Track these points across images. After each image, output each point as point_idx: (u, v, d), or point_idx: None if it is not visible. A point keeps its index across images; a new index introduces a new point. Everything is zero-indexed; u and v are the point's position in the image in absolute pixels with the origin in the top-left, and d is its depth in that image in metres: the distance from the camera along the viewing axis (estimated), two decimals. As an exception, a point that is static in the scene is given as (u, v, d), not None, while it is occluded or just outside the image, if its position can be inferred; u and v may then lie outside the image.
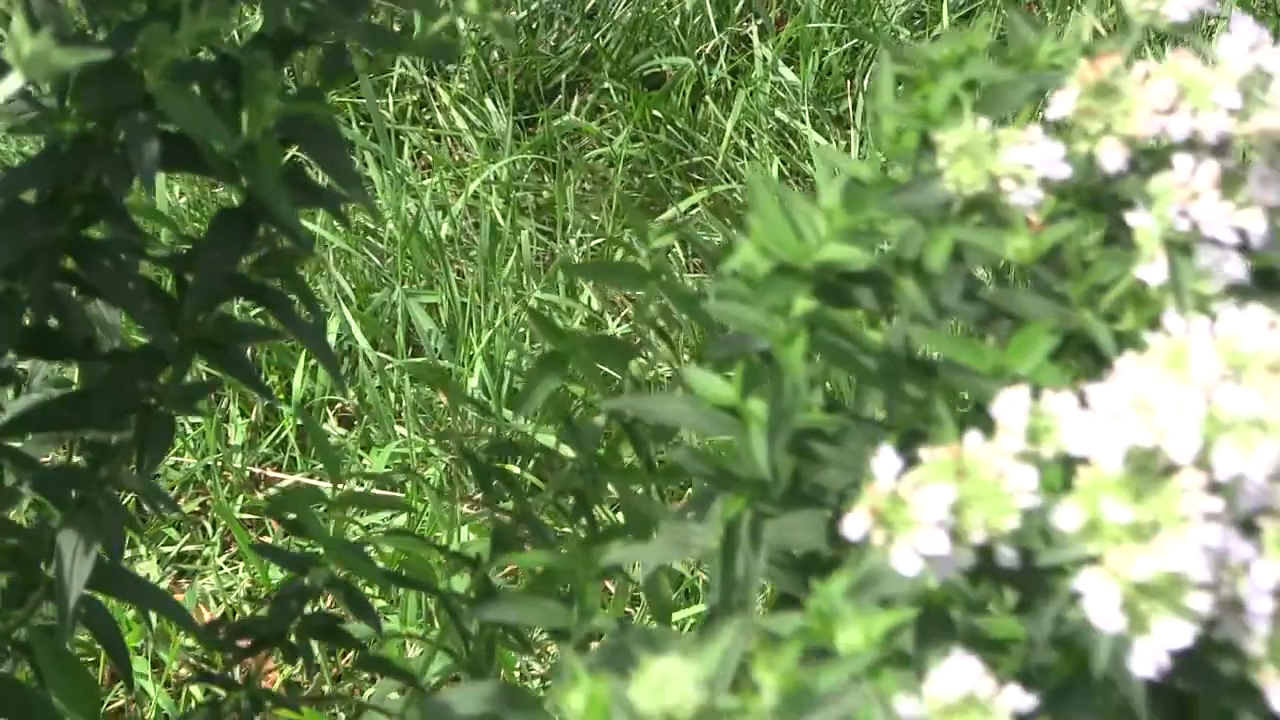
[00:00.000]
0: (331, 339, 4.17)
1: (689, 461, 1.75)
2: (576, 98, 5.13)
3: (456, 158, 4.95)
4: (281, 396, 4.25)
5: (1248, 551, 1.39)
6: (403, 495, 3.91)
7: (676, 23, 5.20)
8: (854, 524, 1.41)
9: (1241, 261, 1.59)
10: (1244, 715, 1.48)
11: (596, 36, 5.19)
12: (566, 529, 2.27)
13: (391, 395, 4.19)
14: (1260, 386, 1.42)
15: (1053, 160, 1.59)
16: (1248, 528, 1.42)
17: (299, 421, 4.12)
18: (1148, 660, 1.37)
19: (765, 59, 5.14)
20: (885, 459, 1.42)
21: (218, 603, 3.91)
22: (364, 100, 4.84)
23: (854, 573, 1.49)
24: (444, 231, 4.60)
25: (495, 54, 5.05)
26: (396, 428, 4.14)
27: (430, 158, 4.91)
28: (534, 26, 5.18)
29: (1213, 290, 1.57)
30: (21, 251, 2.08)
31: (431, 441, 4.06)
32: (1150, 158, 1.62)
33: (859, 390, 1.77)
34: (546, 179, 4.90)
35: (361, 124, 4.91)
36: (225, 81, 2.01)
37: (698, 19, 5.20)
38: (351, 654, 3.49)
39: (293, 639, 2.40)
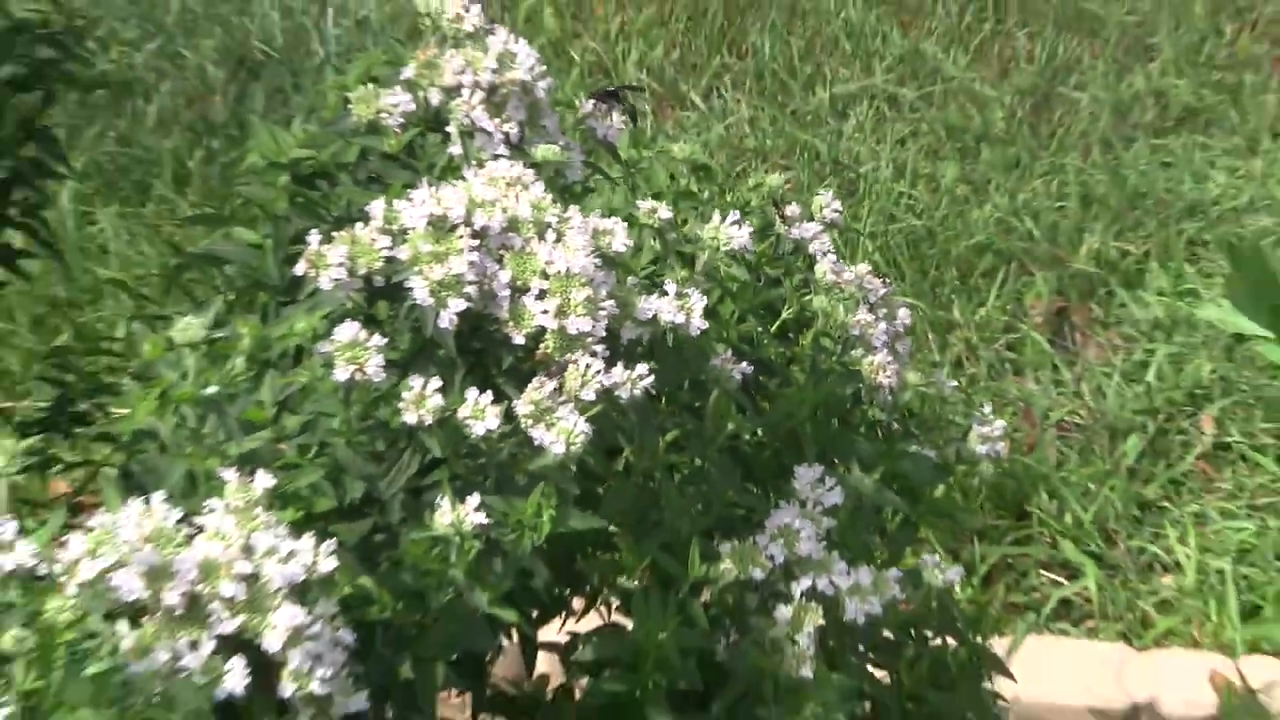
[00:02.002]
0: None
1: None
2: None
3: None
4: None
5: (495, 267, 1.68)
6: None
7: None
8: (299, 267, 1.67)
9: (505, 145, 1.87)
10: (504, 352, 1.72)
11: None
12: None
13: None
14: (500, 190, 1.74)
15: (406, 100, 1.86)
16: (501, 259, 1.70)
17: None
18: (446, 319, 1.64)
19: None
20: (312, 237, 1.68)
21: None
22: None
23: (308, 299, 1.73)
24: None
25: None
26: None
27: None
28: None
29: (487, 155, 1.84)
30: None
31: None
32: (453, 96, 1.88)
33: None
34: None
35: None
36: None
37: None
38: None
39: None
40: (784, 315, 2.14)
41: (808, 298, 2.13)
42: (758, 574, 1.85)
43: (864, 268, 2.22)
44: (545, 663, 2.05)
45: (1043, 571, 3.35)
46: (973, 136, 4.64)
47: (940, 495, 2.20)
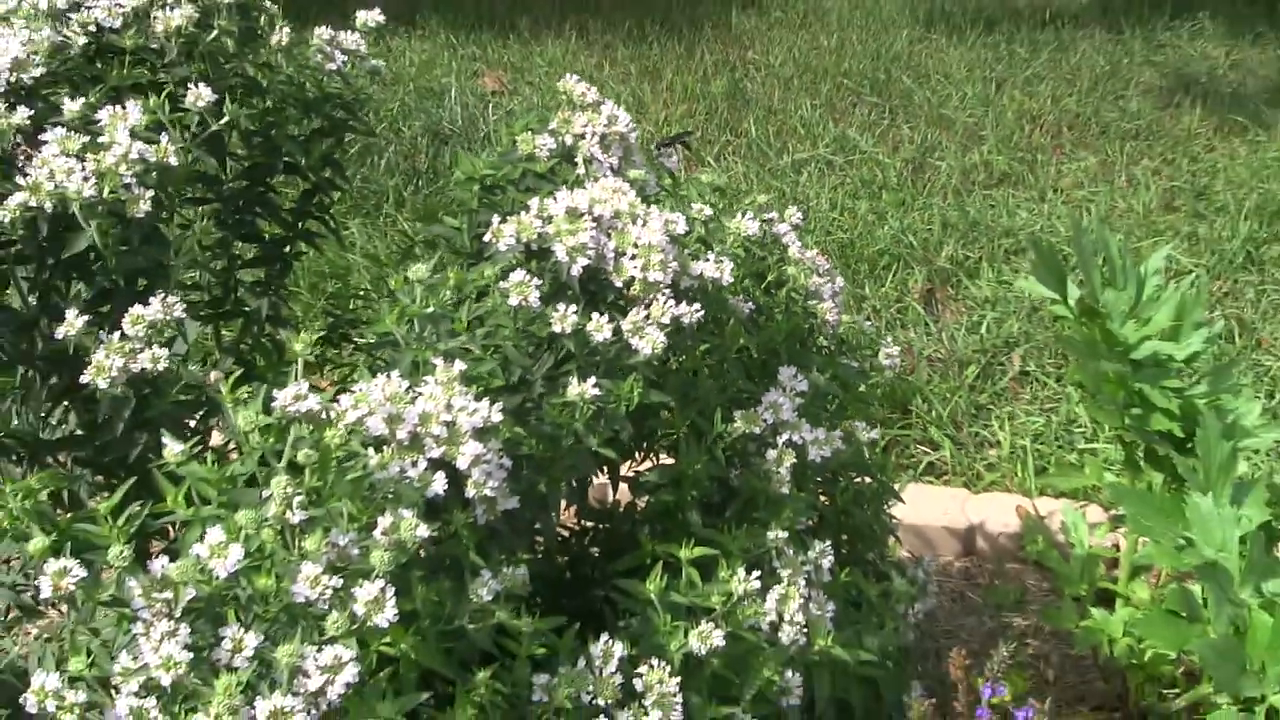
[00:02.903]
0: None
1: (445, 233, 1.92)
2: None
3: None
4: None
5: (605, 240, 1.65)
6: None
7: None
8: (487, 237, 1.64)
9: (610, 170, 1.84)
10: (609, 292, 1.69)
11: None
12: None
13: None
14: (609, 194, 1.70)
15: (550, 141, 1.81)
16: (608, 232, 1.68)
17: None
18: (575, 270, 1.62)
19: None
20: (494, 220, 1.67)
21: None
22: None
23: (489, 259, 1.70)
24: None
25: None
26: None
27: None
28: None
29: (599, 175, 1.79)
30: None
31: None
32: (579, 140, 1.85)
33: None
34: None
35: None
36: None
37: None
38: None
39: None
40: (768, 278, 2.10)
41: (783, 267, 2.10)
42: (756, 430, 1.84)
43: (815, 252, 2.19)
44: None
45: (917, 445, 3.32)
46: (877, 186, 4.61)
47: (861, 390, 2.18)
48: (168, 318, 1.64)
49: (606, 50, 5.82)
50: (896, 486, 2.20)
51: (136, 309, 1.62)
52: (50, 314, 1.80)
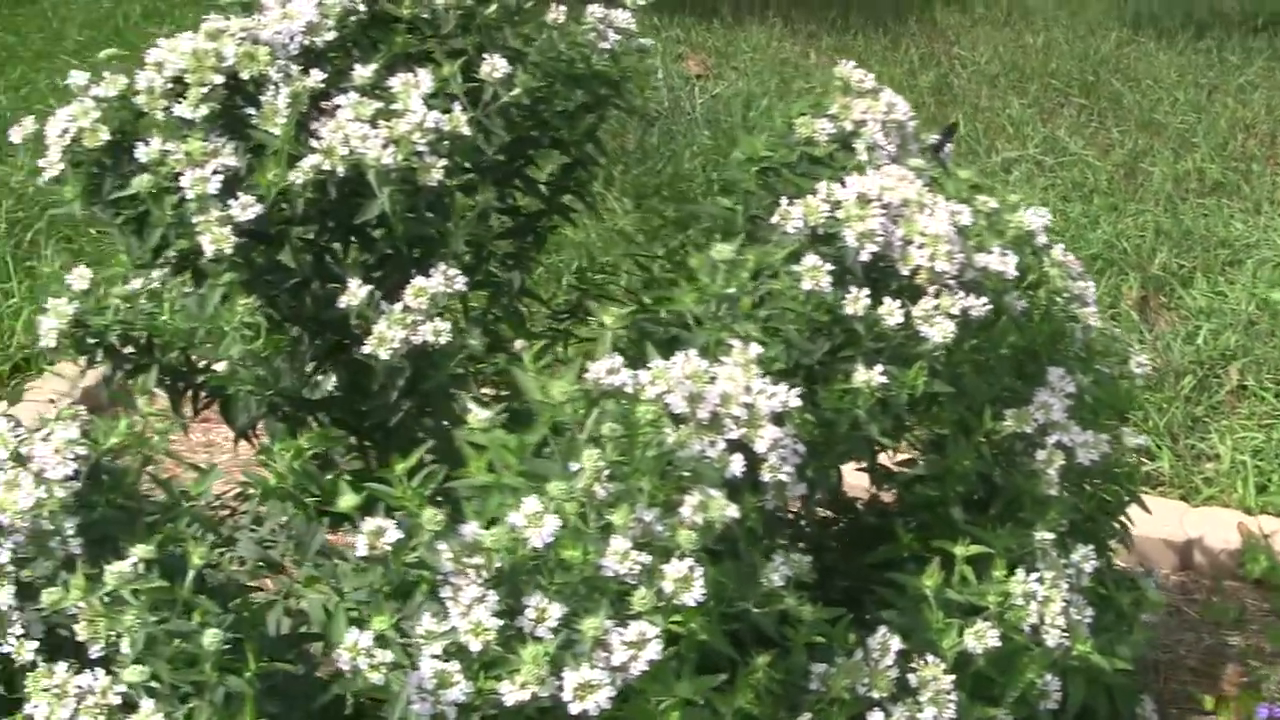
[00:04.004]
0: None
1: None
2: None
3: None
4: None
5: (893, 227, 1.60)
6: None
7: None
8: (774, 219, 1.62)
9: (888, 158, 1.78)
10: (892, 280, 1.63)
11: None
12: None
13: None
14: (894, 182, 1.66)
15: (830, 126, 1.76)
16: (895, 220, 1.62)
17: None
18: (864, 255, 1.57)
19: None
20: (783, 202, 1.64)
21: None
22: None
23: (780, 239, 1.65)
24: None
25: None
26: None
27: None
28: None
29: (880, 163, 1.73)
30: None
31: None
32: (859, 126, 1.81)
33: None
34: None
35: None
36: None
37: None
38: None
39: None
40: (1029, 277, 2.01)
41: (1043, 268, 2.00)
42: (1027, 429, 1.77)
43: (1071, 256, 2.09)
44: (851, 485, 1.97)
45: (1133, 454, 3.19)
46: (1088, 189, 4.47)
47: (1118, 396, 2.10)
48: (449, 290, 1.63)
49: (810, 39, 5.75)
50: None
51: (419, 281, 1.61)
52: (322, 276, 1.80)
